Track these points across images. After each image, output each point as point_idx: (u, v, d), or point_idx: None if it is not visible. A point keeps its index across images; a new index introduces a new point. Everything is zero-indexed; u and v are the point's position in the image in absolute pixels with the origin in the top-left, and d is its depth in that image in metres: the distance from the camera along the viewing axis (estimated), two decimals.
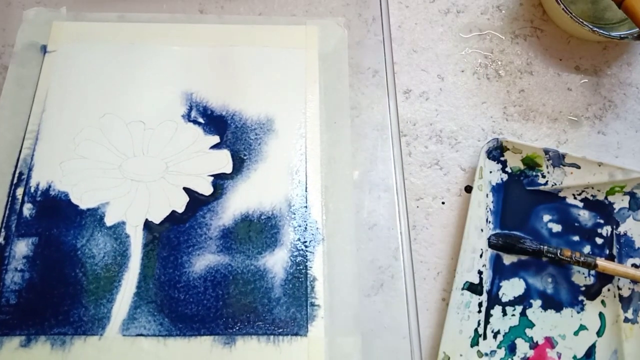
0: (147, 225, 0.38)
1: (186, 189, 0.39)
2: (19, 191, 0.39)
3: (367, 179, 0.42)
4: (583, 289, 0.44)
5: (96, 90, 0.42)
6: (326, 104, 0.42)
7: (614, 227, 0.44)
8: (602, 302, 0.44)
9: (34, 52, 0.43)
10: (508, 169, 0.44)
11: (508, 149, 0.43)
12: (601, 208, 0.44)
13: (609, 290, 0.44)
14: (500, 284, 0.44)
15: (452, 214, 0.45)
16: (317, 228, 0.39)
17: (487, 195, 0.44)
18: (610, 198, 0.44)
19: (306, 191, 0.40)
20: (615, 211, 0.44)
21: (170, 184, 0.39)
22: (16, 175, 0.39)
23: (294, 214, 0.39)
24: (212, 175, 0.40)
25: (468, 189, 0.44)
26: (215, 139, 0.41)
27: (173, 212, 0.39)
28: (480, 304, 0.43)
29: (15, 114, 0.41)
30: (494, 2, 0.45)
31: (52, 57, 0.43)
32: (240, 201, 0.39)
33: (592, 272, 0.44)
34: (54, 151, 0.40)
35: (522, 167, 0.44)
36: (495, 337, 0.43)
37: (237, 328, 0.35)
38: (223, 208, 0.39)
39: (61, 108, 0.42)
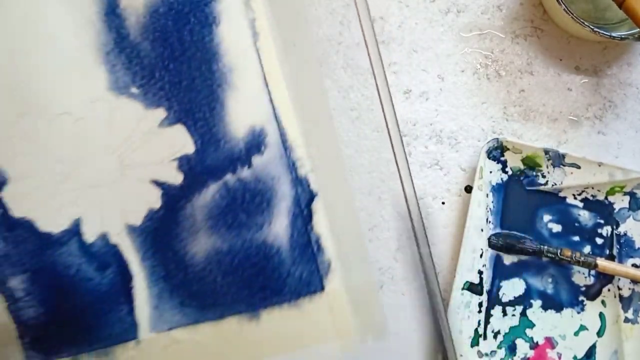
0: (130, 229, 0.35)
1: (154, 182, 0.35)
2: None
3: (367, 180, 0.42)
4: (583, 289, 0.44)
5: None
6: (278, 23, 0.35)
7: (614, 227, 0.44)
8: (603, 302, 0.44)
9: None
10: (508, 169, 0.44)
11: (508, 149, 0.43)
12: (601, 208, 0.44)
13: (609, 290, 0.44)
14: (501, 284, 0.44)
15: (452, 214, 0.45)
16: (308, 185, 0.35)
17: (487, 195, 0.44)
18: (610, 198, 0.44)
19: (285, 149, 0.35)
20: (615, 211, 0.44)
21: (135, 179, 0.35)
22: None
23: (279, 177, 0.35)
24: (175, 160, 0.35)
25: (468, 189, 0.44)
26: (160, 113, 0.34)
27: (150, 209, 0.35)
28: (480, 304, 0.43)
29: None
30: (494, 1, 0.45)
31: None
32: (215, 179, 0.35)
33: (593, 272, 0.44)
34: None
35: (522, 167, 0.44)
36: (495, 337, 0.43)
37: (258, 303, 0.35)
38: (200, 191, 0.35)
39: None
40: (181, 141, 0.35)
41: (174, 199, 0.35)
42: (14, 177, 0.34)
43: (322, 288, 0.35)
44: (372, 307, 0.36)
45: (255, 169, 0.35)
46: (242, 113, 0.35)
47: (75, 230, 0.34)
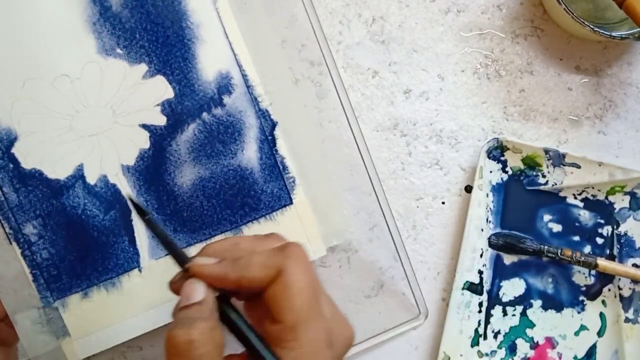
0: (125, 169, 0.40)
1: (142, 125, 0.40)
2: None
3: (367, 179, 0.42)
4: (584, 289, 0.44)
5: None
6: None
7: (615, 227, 0.44)
8: (603, 302, 0.44)
9: None
10: (508, 169, 0.44)
11: (508, 149, 0.43)
12: (601, 208, 0.44)
13: (609, 290, 0.44)
14: (501, 284, 0.44)
15: (452, 214, 0.45)
16: (269, 115, 0.41)
17: (487, 195, 0.44)
18: (611, 198, 0.44)
19: (248, 87, 0.41)
20: (615, 211, 0.44)
21: (126, 126, 0.40)
22: None
23: (246, 111, 0.41)
24: (158, 105, 0.40)
25: (468, 189, 0.44)
26: (143, 67, 0.40)
27: (141, 149, 0.40)
28: (480, 304, 0.43)
29: None
30: (494, 1, 0.45)
31: None
32: (193, 117, 0.41)
33: (593, 272, 0.44)
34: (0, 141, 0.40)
35: (522, 166, 0.44)
36: (495, 337, 0.43)
37: (239, 220, 0.41)
38: (182, 129, 0.40)
39: None
40: (162, 89, 0.40)
41: (161, 139, 0.40)
42: (22, 134, 0.39)
43: (291, 201, 0.41)
44: (333, 214, 0.42)
45: (226, 106, 0.41)
46: (210, 61, 0.41)
47: (79, 175, 0.40)
